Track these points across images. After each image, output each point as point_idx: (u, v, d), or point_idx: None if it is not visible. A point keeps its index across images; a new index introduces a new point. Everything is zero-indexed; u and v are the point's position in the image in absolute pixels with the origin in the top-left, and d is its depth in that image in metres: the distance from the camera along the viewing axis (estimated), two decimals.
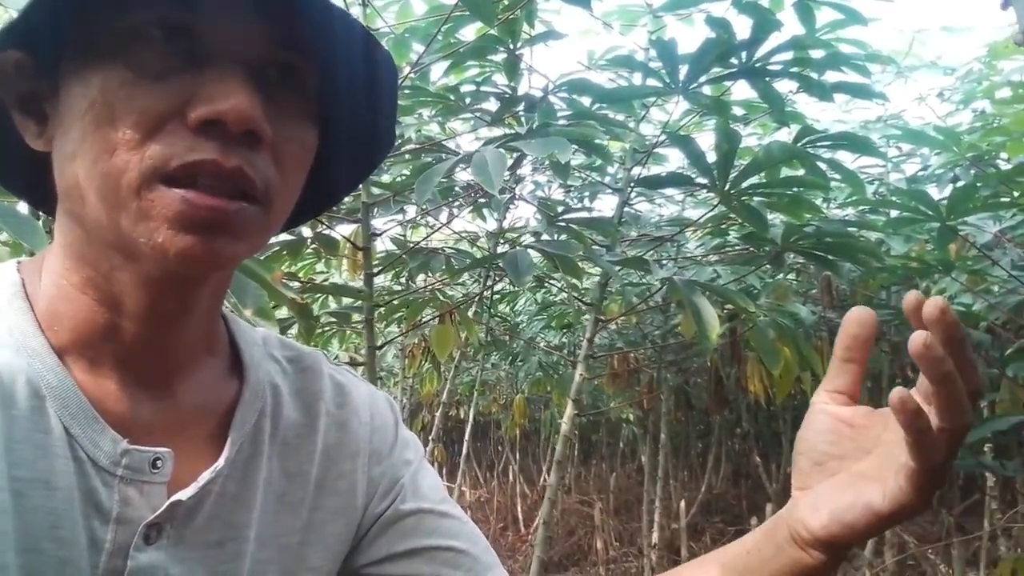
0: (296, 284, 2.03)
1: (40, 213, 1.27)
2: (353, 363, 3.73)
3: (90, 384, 0.51)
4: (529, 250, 1.94)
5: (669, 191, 3.18)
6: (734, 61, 1.99)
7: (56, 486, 0.47)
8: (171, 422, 0.54)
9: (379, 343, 2.15)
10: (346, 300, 2.41)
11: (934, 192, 3.07)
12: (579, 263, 2.07)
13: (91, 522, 0.48)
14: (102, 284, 0.51)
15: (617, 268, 2.09)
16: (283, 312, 1.97)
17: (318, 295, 2.67)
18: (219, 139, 0.46)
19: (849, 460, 0.52)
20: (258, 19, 0.49)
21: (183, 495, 0.51)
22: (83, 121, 0.47)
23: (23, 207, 1.31)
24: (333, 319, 2.42)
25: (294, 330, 2.10)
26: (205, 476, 0.53)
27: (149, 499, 0.50)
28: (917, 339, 0.43)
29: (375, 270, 2.13)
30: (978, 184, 2.15)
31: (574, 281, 2.60)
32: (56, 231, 0.53)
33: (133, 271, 0.50)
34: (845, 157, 2.59)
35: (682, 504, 4.08)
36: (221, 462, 0.54)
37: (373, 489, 0.64)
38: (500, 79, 2.29)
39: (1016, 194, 2.14)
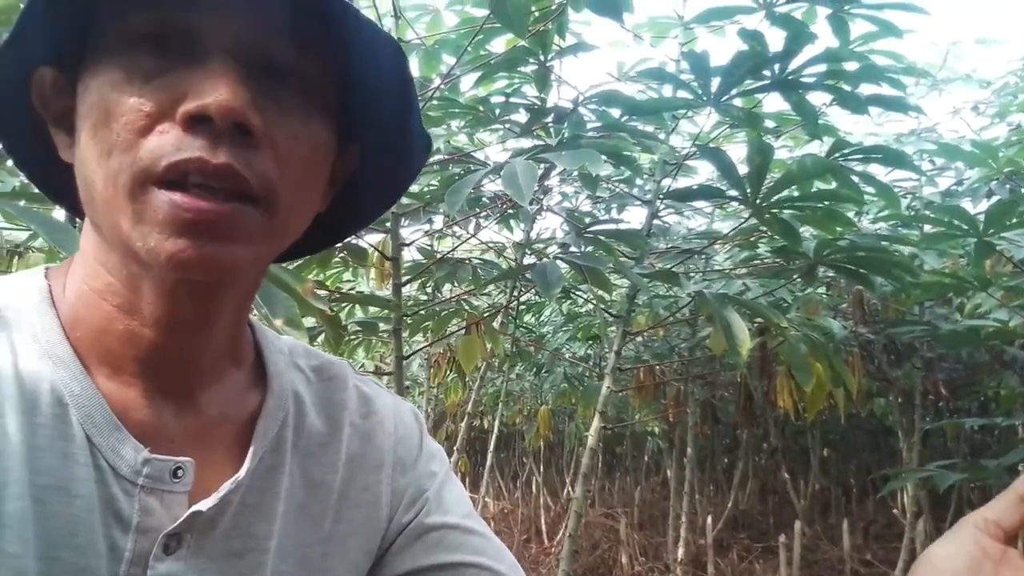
0: (324, 293, 2.04)
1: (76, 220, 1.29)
2: (378, 372, 3.74)
3: (113, 392, 0.50)
4: (558, 261, 1.93)
5: (698, 203, 3.15)
6: (767, 73, 1.97)
7: (76, 494, 0.46)
8: (193, 431, 0.53)
9: (405, 353, 2.15)
10: (373, 309, 2.41)
11: (969, 206, 3.02)
12: (608, 275, 2.06)
13: (111, 531, 0.47)
14: (121, 291, 0.51)
15: (646, 281, 2.07)
16: (311, 321, 1.98)
17: (344, 304, 2.68)
18: (207, 136, 0.45)
19: None
20: (255, 12, 0.47)
21: (203, 505, 0.50)
22: (86, 128, 0.47)
23: (59, 214, 1.33)
24: (359, 328, 2.42)
25: (321, 339, 2.11)
26: (226, 487, 0.52)
27: (169, 509, 0.49)
28: None
29: (403, 279, 2.13)
30: (1016, 200, 2.11)
31: (601, 293, 2.58)
32: (82, 237, 0.54)
33: (149, 278, 0.50)
34: (878, 170, 2.55)
35: (708, 519, 4.03)
36: (242, 473, 0.53)
37: (398, 500, 0.63)
38: (530, 90, 2.29)
39: None
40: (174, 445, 0.51)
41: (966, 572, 0.50)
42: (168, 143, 0.45)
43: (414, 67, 2.24)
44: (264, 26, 0.48)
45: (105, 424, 0.49)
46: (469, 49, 1.98)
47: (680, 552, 3.88)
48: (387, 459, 0.63)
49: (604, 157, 1.71)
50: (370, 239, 2.27)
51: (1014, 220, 2.13)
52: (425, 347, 3.21)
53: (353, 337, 2.62)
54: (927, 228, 2.55)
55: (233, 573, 0.52)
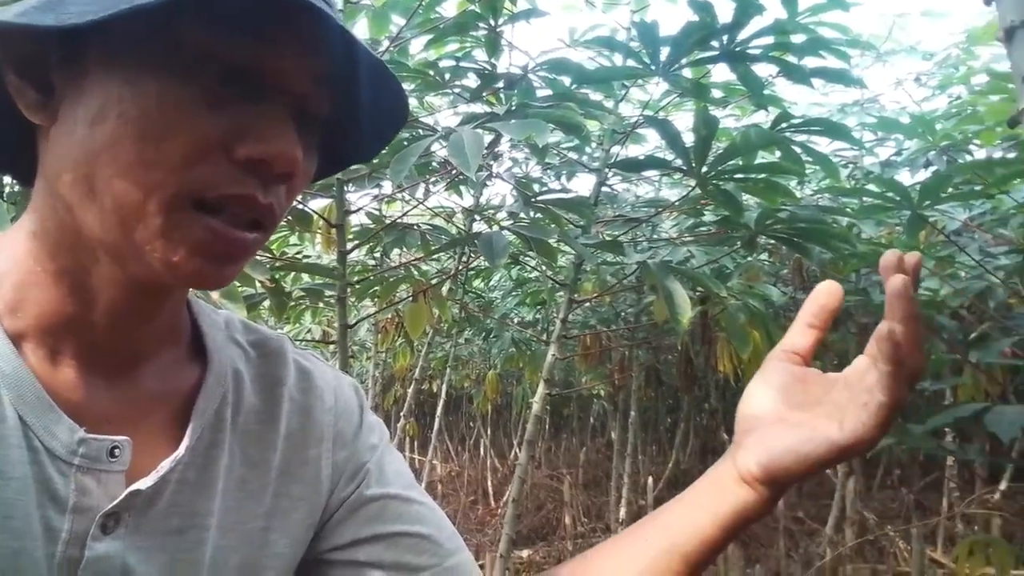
0: (267, 259, 2.00)
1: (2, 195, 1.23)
2: (325, 340, 3.71)
3: (47, 372, 0.50)
4: (504, 231, 1.93)
5: (645, 172, 3.17)
6: (715, 44, 1.98)
7: (10, 476, 0.46)
8: (130, 409, 0.53)
9: (352, 320, 2.13)
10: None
11: (906, 177, 3.11)
12: (554, 245, 2.07)
13: (47, 512, 0.47)
14: (78, 275, 0.50)
15: (591, 251, 2.09)
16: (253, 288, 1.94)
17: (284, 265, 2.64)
18: (260, 176, 0.48)
19: (796, 411, 0.56)
20: (304, 57, 0.49)
21: (142, 484, 0.50)
22: (124, 126, 0.45)
23: None
24: (304, 294, 2.39)
25: (266, 304, 2.08)
26: (165, 465, 0.52)
27: (107, 488, 0.49)
28: (898, 280, 0.49)
29: (349, 246, 2.11)
30: (949, 174, 2.18)
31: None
32: (33, 212, 0.51)
33: (116, 270, 0.49)
34: (820, 140, 2.60)
35: (650, 480, 4.14)
36: (181, 450, 0.53)
37: (338, 474, 0.63)
38: (480, 54, 2.26)
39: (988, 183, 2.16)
40: (111, 424, 0.51)
41: (782, 395, 0.57)
42: (223, 176, 0.47)
43: (363, 29, 2.19)
44: (311, 73, 0.50)
45: (38, 404, 0.48)
46: (419, 11, 1.94)
47: (622, 512, 3.98)
48: (327, 433, 0.64)
49: (552, 126, 1.71)
50: (315, 204, 2.24)
51: (948, 193, 2.20)
52: (372, 315, 3.19)
53: (298, 302, 2.59)
54: (866, 199, 2.62)
55: (173, 550, 0.52)
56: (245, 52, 0.47)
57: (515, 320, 4.55)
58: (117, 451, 0.50)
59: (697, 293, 2.65)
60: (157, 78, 0.46)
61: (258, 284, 1.80)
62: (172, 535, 0.52)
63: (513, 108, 1.69)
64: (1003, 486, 3.88)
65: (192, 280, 0.48)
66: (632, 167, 2.38)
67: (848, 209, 2.58)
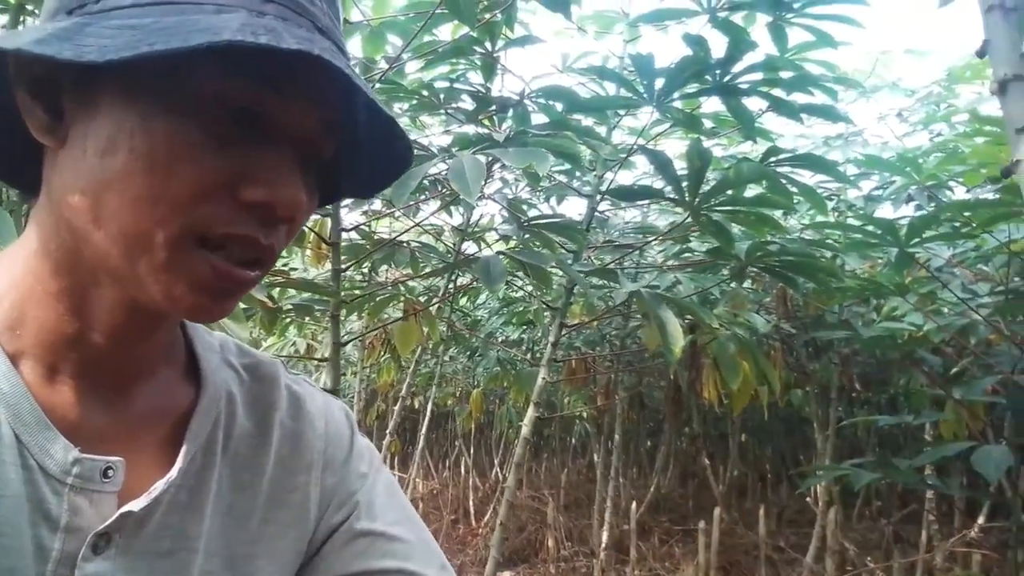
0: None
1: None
2: (310, 356, 3.69)
3: (43, 390, 0.50)
4: (500, 256, 1.94)
5: None
6: (708, 78, 2.01)
7: (4, 494, 0.46)
8: (124, 430, 0.53)
9: (342, 337, 2.13)
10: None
11: (888, 211, 3.16)
12: (548, 271, 2.08)
13: (39, 531, 0.47)
14: (78, 295, 0.50)
15: (584, 277, 2.10)
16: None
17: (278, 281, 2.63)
18: (263, 218, 0.48)
19: None
20: (313, 106, 0.50)
21: (135, 506, 0.50)
22: (134, 161, 0.46)
23: None
24: (291, 308, 2.38)
25: (256, 318, 2.07)
26: (159, 486, 0.52)
27: (99, 508, 0.49)
28: None
29: (343, 264, 2.10)
30: (937, 215, 2.22)
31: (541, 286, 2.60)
32: (35, 229, 0.52)
33: (117, 292, 0.50)
34: (804, 172, 2.64)
35: (632, 505, 4.14)
36: (174, 472, 0.53)
37: (327, 501, 0.63)
38: (474, 76, 2.28)
39: (973, 225, 2.20)
40: (105, 444, 0.51)
41: None
42: (227, 215, 0.47)
43: (357, 47, 2.20)
44: (320, 121, 0.51)
45: (34, 423, 0.48)
46: (417, 33, 1.95)
47: (604, 536, 3.97)
48: (316, 460, 0.64)
49: (549, 154, 1.72)
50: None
51: (934, 232, 2.24)
52: (362, 335, 3.18)
53: (285, 316, 2.58)
54: (851, 234, 2.65)
55: (160, 572, 0.52)
56: (256, 98, 0.47)
57: (500, 339, 4.55)
58: (111, 471, 0.50)
59: (686, 321, 2.67)
60: (168, 116, 0.46)
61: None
62: (161, 557, 0.52)
63: (511, 135, 1.71)
64: (980, 521, 3.92)
65: (191, 313, 0.49)
66: (626, 195, 2.40)
67: (833, 242, 2.62)
